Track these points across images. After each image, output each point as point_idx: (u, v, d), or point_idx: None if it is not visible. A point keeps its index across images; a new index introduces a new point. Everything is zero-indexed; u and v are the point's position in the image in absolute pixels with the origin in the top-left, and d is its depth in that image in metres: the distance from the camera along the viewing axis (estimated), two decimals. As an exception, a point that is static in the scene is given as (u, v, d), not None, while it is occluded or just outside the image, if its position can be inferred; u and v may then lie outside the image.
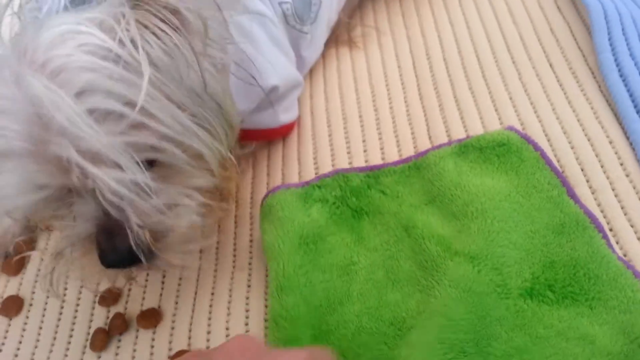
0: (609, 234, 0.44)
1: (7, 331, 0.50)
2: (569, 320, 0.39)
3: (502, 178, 0.48)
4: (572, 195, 0.46)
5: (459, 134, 0.54)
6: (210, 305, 0.47)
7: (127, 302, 0.50)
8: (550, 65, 0.57)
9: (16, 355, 0.49)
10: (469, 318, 0.38)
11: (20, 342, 0.49)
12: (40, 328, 0.50)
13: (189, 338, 0.46)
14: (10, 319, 0.51)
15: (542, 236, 0.44)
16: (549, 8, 0.63)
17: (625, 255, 0.43)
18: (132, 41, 0.34)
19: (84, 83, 0.33)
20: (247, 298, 0.47)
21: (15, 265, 0.54)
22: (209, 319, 0.47)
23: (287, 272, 0.45)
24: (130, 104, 0.33)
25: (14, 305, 0.51)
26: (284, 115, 0.55)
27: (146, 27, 0.35)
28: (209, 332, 0.46)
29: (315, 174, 0.54)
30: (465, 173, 0.48)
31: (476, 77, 0.58)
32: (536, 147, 0.50)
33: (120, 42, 0.34)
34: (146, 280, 0.50)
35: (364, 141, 0.56)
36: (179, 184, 0.39)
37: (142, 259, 0.36)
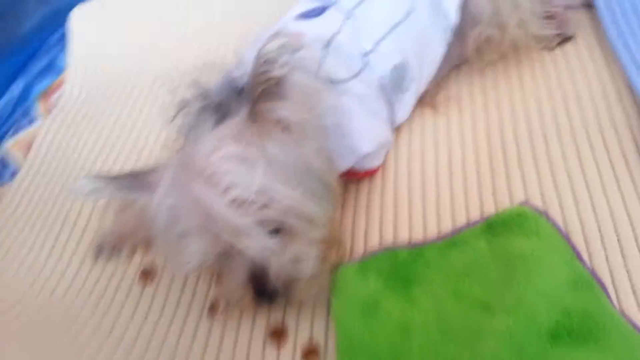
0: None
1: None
2: (582, 361, 0.49)
3: (524, 242, 0.58)
4: (580, 259, 0.57)
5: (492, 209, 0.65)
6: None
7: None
8: (599, 152, 0.66)
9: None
10: (512, 358, 0.48)
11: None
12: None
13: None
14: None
15: (561, 290, 0.53)
16: (612, 99, 0.71)
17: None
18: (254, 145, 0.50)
19: (227, 183, 0.49)
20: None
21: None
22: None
23: (355, 333, 0.54)
24: (258, 192, 0.49)
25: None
26: (370, 164, 0.69)
27: (266, 134, 0.52)
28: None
29: (380, 242, 0.64)
30: (496, 249, 0.59)
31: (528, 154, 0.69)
32: (548, 218, 0.60)
33: (248, 146, 0.50)
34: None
35: (409, 214, 0.67)
36: (299, 242, 0.53)
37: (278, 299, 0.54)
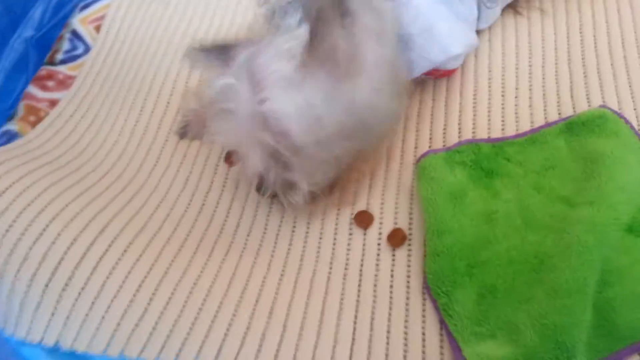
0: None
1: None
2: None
3: (604, 142, 0.61)
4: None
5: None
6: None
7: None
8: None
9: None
10: (596, 244, 0.52)
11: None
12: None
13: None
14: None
15: (638, 188, 0.57)
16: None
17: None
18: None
19: (265, 95, 0.53)
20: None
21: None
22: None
23: (443, 218, 0.58)
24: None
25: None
26: (452, 65, 0.69)
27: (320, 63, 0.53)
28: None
29: (459, 137, 0.67)
30: (575, 148, 0.62)
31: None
32: (626, 120, 0.63)
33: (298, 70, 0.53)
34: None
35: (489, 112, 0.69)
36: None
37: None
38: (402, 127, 0.70)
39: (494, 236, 0.58)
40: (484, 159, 0.64)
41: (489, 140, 0.66)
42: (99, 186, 0.67)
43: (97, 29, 0.87)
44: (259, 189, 0.60)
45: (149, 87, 0.79)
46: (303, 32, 0.54)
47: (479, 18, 0.71)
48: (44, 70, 0.82)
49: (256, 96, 0.53)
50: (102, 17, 0.88)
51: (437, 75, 0.72)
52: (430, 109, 0.71)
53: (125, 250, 0.59)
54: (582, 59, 0.72)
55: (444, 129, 0.69)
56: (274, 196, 0.60)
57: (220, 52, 0.58)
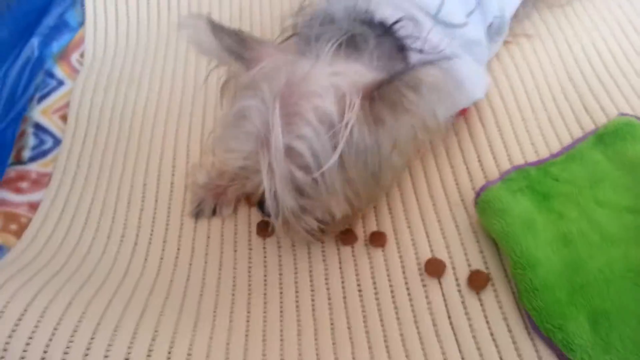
0: None
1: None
2: None
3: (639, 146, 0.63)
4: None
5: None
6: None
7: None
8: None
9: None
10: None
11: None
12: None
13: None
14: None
15: None
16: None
17: None
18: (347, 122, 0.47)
19: (299, 132, 0.47)
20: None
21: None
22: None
23: (528, 250, 0.55)
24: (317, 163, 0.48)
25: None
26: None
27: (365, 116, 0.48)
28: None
29: (497, 167, 0.66)
30: (613, 158, 0.63)
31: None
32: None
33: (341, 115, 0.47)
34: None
35: (517, 139, 0.69)
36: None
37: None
38: (434, 167, 0.67)
39: (580, 258, 0.56)
40: (536, 183, 0.62)
41: (532, 163, 0.64)
42: (120, 296, 0.57)
43: (63, 118, 0.77)
44: (262, 206, 0.54)
45: (144, 171, 0.70)
46: (354, 69, 0.50)
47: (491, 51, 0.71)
48: (13, 171, 0.70)
49: (291, 129, 0.47)
50: (66, 105, 0.78)
51: (458, 116, 0.71)
52: (457, 144, 0.69)
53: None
54: (581, 72, 0.75)
55: (479, 161, 0.67)
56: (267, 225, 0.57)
57: (239, 41, 0.52)
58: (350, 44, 0.54)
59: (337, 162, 0.48)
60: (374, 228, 0.63)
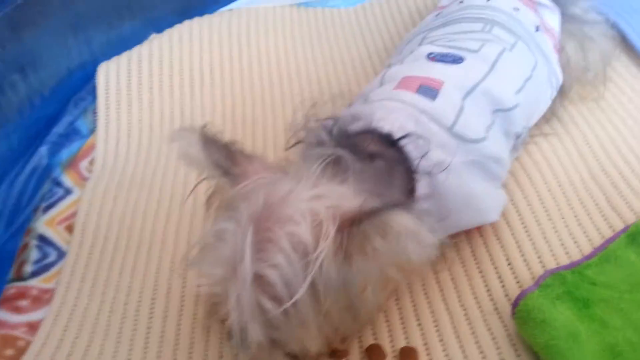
0: None
1: None
2: None
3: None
4: None
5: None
6: None
7: None
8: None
9: None
10: None
11: None
12: None
13: None
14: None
15: None
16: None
17: None
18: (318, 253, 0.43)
19: (271, 260, 0.43)
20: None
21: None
22: None
23: (576, 363, 0.51)
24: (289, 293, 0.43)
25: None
26: None
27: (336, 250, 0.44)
28: None
29: (529, 271, 0.62)
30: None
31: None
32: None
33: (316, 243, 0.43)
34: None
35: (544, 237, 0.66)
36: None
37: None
38: (463, 273, 0.63)
39: (633, 372, 0.51)
40: (574, 288, 0.58)
41: (566, 267, 0.61)
42: None
43: (69, 228, 0.73)
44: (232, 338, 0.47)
45: (153, 285, 0.66)
46: (338, 192, 0.47)
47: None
48: (12, 288, 0.66)
49: (263, 256, 0.43)
50: (72, 215, 0.75)
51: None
52: (484, 247, 0.66)
53: None
54: (603, 170, 0.73)
55: (509, 265, 0.63)
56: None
57: (225, 154, 0.49)
58: (338, 162, 0.51)
59: (309, 293, 0.43)
60: (402, 343, 0.58)
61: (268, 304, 0.43)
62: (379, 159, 0.54)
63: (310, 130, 0.58)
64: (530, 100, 0.67)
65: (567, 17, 0.79)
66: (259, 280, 0.43)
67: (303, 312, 0.44)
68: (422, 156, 0.54)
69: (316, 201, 0.45)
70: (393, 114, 0.57)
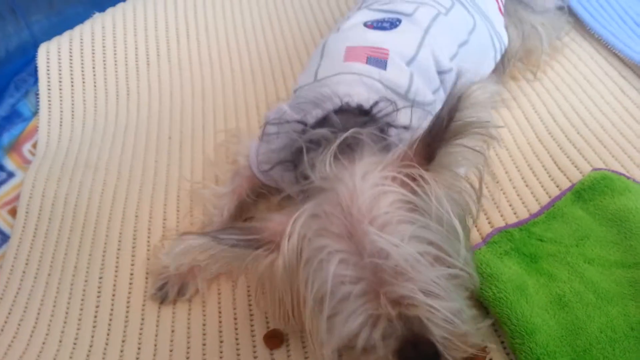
0: None
1: None
2: None
3: (622, 200, 0.61)
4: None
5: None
6: None
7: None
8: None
9: None
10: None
11: None
12: None
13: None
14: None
15: None
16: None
17: None
18: (427, 195, 0.43)
19: (409, 233, 0.41)
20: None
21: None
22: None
23: (524, 317, 0.51)
24: (440, 249, 0.42)
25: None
26: None
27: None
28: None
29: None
30: (595, 213, 0.61)
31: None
32: (626, 176, 0.64)
33: (419, 196, 0.43)
34: None
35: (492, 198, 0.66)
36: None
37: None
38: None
39: (579, 320, 0.52)
40: (521, 245, 0.59)
41: (514, 225, 0.62)
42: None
43: (12, 212, 0.71)
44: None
45: (100, 263, 0.64)
46: (380, 158, 0.46)
47: None
48: (-48, 275, 0.63)
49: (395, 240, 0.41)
50: (15, 198, 0.72)
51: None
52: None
53: None
54: (548, 132, 0.74)
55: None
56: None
57: (242, 233, 0.45)
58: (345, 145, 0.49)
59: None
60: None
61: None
62: (368, 126, 0.53)
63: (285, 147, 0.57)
64: (468, 63, 0.68)
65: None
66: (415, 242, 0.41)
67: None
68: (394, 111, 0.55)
69: (381, 172, 0.44)
70: (355, 87, 0.57)
